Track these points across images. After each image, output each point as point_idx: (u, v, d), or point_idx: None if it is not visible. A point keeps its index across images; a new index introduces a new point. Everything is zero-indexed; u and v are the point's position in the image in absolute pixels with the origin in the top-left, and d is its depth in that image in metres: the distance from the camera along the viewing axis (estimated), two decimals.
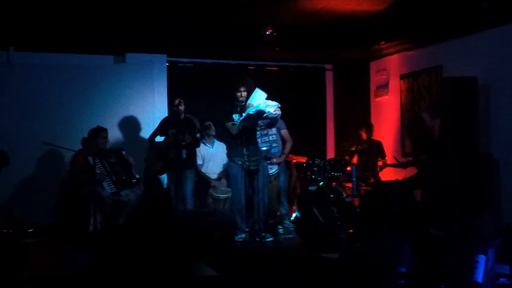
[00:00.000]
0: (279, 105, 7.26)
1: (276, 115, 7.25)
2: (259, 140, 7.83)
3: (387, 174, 9.08)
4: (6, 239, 7.03)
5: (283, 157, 8.42)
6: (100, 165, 7.78)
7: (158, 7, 7.83)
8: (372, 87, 10.66)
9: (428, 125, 8.59)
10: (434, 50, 8.90)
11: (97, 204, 7.46)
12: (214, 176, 8.75)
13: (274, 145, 8.35)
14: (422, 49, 9.21)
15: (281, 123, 8.36)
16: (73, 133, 8.32)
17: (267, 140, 8.26)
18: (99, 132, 7.97)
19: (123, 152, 8.17)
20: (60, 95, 9.05)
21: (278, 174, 8.39)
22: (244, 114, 7.13)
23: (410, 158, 8.40)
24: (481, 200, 6.99)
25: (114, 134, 8.96)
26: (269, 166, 8.00)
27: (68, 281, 3.60)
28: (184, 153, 7.95)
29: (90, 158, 7.67)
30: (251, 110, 7.07)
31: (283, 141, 8.48)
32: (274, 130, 8.31)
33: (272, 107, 7.17)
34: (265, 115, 7.18)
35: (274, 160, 8.19)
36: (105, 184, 7.80)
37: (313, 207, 7.58)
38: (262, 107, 7.09)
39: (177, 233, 3.95)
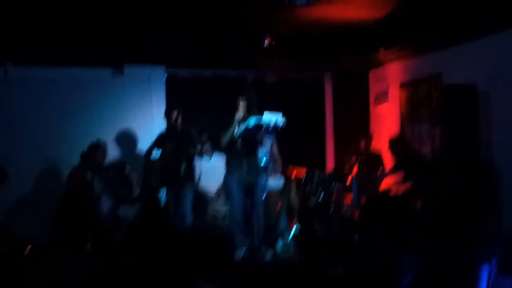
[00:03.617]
0: (280, 115, 7.13)
1: (277, 125, 7.10)
2: (259, 153, 7.74)
3: (388, 185, 8.99)
4: (4, 257, 6.94)
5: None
6: (98, 180, 7.71)
7: (156, 19, 7.76)
8: (372, 96, 10.60)
9: (410, 145, 8.58)
10: (433, 58, 8.81)
11: (94, 219, 7.40)
12: (213, 190, 8.67)
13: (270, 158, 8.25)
14: (421, 57, 9.12)
15: (273, 138, 8.21)
16: (71, 147, 8.24)
17: (265, 152, 8.14)
18: (98, 147, 7.92)
19: (127, 168, 8.08)
20: (58, 109, 9.06)
21: (283, 188, 8.23)
22: (242, 128, 7.06)
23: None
24: (483, 208, 6.91)
25: (113, 148, 8.90)
26: (277, 180, 7.93)
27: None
28: (182, 167, 7.87)
29: (89, 173, 7.61)
30: (250, 123, 7.00)
31: (273, 158, 8.28)
32: (269, 143, 8.18)
33: (272, 117, 7.06)
34: (263, 128, 7.10)
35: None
36: (103, 199, 7.72)
37: (314, 220, 7.51)
38: (262, 119, 7.01)
39: (176, 250, 3.89)
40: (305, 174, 8.31)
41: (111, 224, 7.64)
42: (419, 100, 9.15)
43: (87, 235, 7.19)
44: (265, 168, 7.66)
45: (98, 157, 7.89)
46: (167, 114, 8.26)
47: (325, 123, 10.93)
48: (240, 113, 7.19)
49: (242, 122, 7.15)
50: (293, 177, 8.77)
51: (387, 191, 8.33)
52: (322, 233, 7.42)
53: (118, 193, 7.83)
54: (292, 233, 8.16)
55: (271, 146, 8.15)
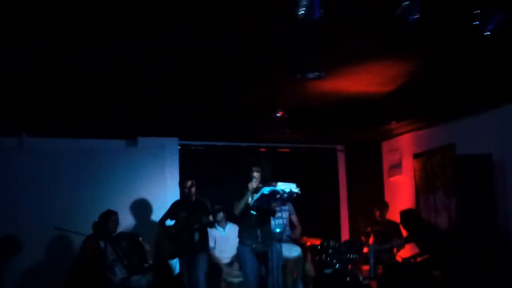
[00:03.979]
0: (295, 186, 7.11)
1: (292, 193, 7.07)
2: (273, 222, 7.68)
3: (405, 255, 8.86)
4: None
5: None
6: (111, 249, 7.65)
7: (170, 92, 7.88)
8: (385, 166, 10.61)
9: (422, 216, 8.52)
10: (446, 129, 8.85)
11: None
12: (226, 259, 8.58)
13: (287, 227, 8.23)
14: (434, 128, 9.17)
15: (291, 208, 8.25)
16: (85, 217, 8.19)
17: (281, 222, 8.08)
18: (110, 216, 7.91)
19: (140, 238, 8.04)
20: (72, 179, 9.06)
21: (299, 256, 8.13)
22: (257, 195, 7.02)
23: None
24: (503, 279, 6.76)
25: (126, 218, 8.92)
26: (294, 248, 7.85)
27: None
28: (196, 237, 7.81)
29: (102, 243, 7.57)
30: (265, 190, 6.96)
31: (293, 226, 8.36)
32: (286, 213, 8.19)
33: (287, 187, 7.05)
34: (278, 195, 7.05)
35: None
36: (116, 269, 7.64)
37: None
38: (276, 187, 6.98)
39: None
40: (320, 243, 8.21)
41: None
42: (433, 171, 9.12)
43: None
44: (280, 236, 7.56)
45: (110, 226, 7.86)
46: (181, 184, 8.29)
47: (339, 193, 10.91)
48: (253, 183, 7.15)
49: (255, 192, 7.07)
50: (308, 245, 8.68)
51: (404, 261, 8.22)
52: None
53: (131, 262, 7.73)
54: None
55: (290, 214, 8.15)
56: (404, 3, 4.83)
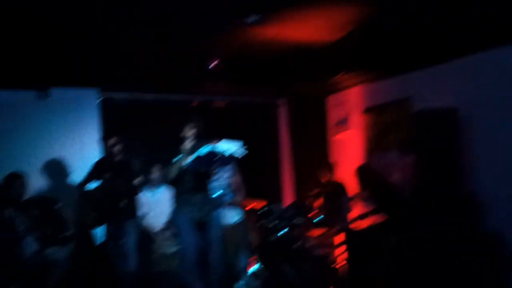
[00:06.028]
0: (241, 145, 6.37)
1: (235, 155, 6.34)
2: (212, 184, 6.90)
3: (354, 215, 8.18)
4: None
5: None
6: (19, 219, 6.55)
7: (87, 37, 6.75)
8: (331, 123, 9.88)
9: (379, 172, 7.87)
10: (401, 81, 8.14)
11: (17, 267, 6.25)
12: (158, 227, 7.65)
13: (227, 191, 7.34)
14: (387, 80, 8.44)
15: (233, 167, 7.39)
16: None
17: (221, 184, 7.17)
18: (14, 179, 6.80)
19: (56, 203, 6.96)
20: None
21: (240, 222, 7.28)
22: (193, 156, 6.34)
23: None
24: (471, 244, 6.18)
25: (38, 181, 7.83)
26: (234, 213, 7.01)
27: None
28: (122, 202, 6.89)
29: (7, 211, 6.46)
30: (201, 151, 6.33)
31: (235, 189, 7.49)
32: (227, 174, 7.29)
33: (230, 147, 6.30)
34: (217, 157, 6.38)
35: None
36: (26, 241, 6.55)
37: (280, 261, 6.65)
38: (216, 148, 6.38)
39: None
40: (262, 206, 7.40)
41: (37, 268, 6.47)
42: (386, 126, 8.44)
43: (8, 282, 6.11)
44: (220, 201, 6.85)
45: (15, 191, 6.75)
46: (104, 141, 7.24)
47: (281, 153, 10.14)
48: (188, 143, 6.48)
49: (191, 153, 6.42)
50: (247, 209, 7.82)
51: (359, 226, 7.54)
52: (293, 273, 6.53)
53: (45, 232, 6.66)
54: (252, 271, 7.16)
55: (231, 176, 7.23)
56: None
